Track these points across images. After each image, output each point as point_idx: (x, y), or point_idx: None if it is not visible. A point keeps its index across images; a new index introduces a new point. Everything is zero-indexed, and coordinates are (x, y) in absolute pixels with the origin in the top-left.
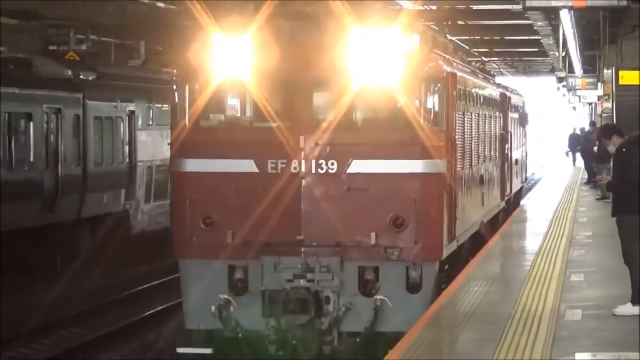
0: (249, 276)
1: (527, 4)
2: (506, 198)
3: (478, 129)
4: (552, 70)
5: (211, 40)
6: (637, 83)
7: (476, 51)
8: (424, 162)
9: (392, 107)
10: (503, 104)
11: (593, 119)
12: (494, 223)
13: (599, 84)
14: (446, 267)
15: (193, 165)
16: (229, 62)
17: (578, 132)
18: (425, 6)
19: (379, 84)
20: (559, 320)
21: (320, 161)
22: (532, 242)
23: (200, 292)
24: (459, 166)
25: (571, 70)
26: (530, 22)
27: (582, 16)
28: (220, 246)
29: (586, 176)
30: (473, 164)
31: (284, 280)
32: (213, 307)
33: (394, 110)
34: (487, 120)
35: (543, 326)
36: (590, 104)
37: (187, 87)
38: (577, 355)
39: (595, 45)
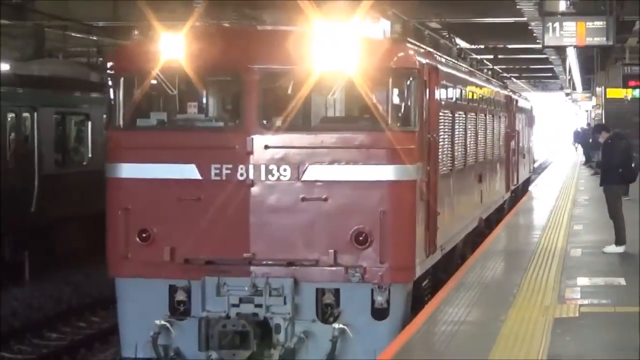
0: (192, 298)
1: (545, 43)
2: (512, 188)
3: (475, 128)
4: (561, 88)
5: (151, 30)
6: (619, 97)
7: (511, 76)
8: (392, 167)
9: (355, 104)
10: (509, 106)
11: (588, 121)
12: (499, 212)
13: (593, 97)
14: (425, 283)
15: (128, 170)
16: (170, 54)
17: (579, 130)
18: (475, 46)
19: (340, 77)
20: (566, 255)
21: (271, 166)
22: (547, 203)
23: (137, 315)
24: (443, 169)
25: (574, 88)
26: (547, 55)
27: (582, 52)
28: (159, 264)
29: (584, 159)
30: (468, 164)
31: (229, 305)
32: (151, 333)
33: (356, 108)
34: (488, 120)
35: (555, 260)
36: (586, 110)
37: (122, 81)
38: (579, 279)
39: (591, 71)
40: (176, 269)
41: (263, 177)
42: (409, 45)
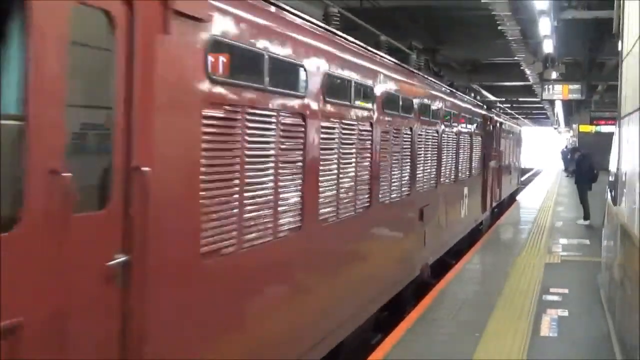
0: None
1: (543, 98)
2: (494, 205)
3: (411, 151)
4: (551, 124)
5: None
6: (587, 130)
7: (521, 117)
8: None
9: None
10: (486, 127)
11: (567, 145)
12: (473, 234)
13: (571, 130)
14: None
15: None
16: None
17: (565, 149)
18: (498, 99)
19: None
20: (553, 226)
21: None
22: (540, 195)
23: None
24: (330, 215)
25: (559, 124)
26: (543, 105)
27: (565, 103)
28: None
29: (564, 168)
30: (385, 202)
31: None
32: None
33: None
34: (444, 140)
35: (546, 229)
36: (566, 138)
37: None
38: (560, 240)
39: (570, 114)
40: None
41: None
42: None
